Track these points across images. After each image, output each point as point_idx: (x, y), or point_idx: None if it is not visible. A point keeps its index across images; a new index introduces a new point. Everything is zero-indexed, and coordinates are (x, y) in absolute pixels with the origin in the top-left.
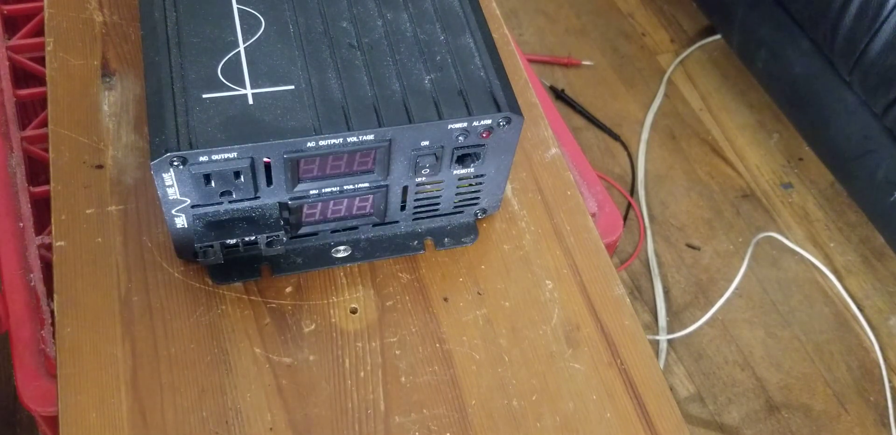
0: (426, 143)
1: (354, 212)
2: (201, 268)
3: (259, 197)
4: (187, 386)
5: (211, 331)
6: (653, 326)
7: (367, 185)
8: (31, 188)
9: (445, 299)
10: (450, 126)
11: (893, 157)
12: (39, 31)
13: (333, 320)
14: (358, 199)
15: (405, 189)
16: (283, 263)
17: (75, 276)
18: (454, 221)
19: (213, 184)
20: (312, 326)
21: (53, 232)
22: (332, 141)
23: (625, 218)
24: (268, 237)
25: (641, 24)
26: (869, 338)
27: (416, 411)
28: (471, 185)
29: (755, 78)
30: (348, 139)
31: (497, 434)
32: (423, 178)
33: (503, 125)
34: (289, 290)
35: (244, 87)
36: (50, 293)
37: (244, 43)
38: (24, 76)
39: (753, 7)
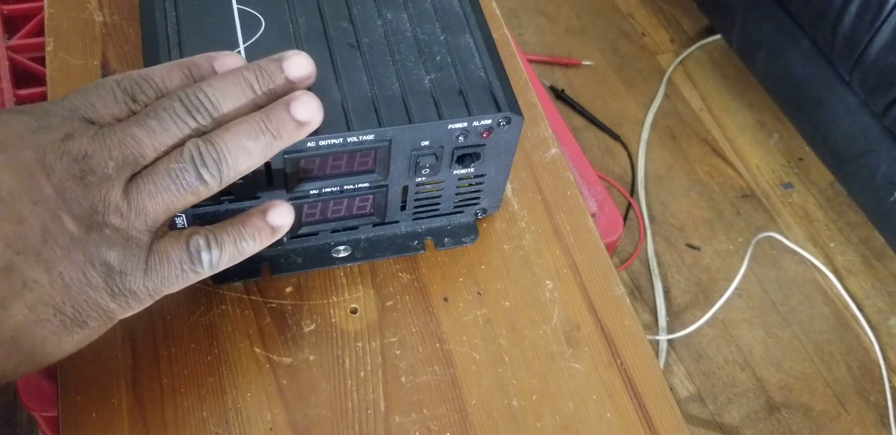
0: (426, 143)
1: (354, 212)
2: None
3: (259, 197)
4: (187, 386)
5: (211, 331)
6: (653, 326)
7: (367, 185)
8: None
9: (445, 299)
10: (450, 126)
11: (893, 157)
12: (39, 31)
13: (333, 320)
14: (358, 198)
15: (405, 189)
16: (284, 262)
17: None
18: (454, 221)
19: None
20: (313, 326)
21: None
22: (332, 141)
23: (625, 218)
24: None
25: (641, 24)
26: (869, 338)
27: (417, 411)
28: (471, 185)
29: (755, 78)
30: (348, 139)
31: (497, 434)
32: (423, 178)
33: (503, 125)
34: (289, 290)
35: None
36: None
37: (244, 43)
38: (24, 76)
39: (753, 7)
